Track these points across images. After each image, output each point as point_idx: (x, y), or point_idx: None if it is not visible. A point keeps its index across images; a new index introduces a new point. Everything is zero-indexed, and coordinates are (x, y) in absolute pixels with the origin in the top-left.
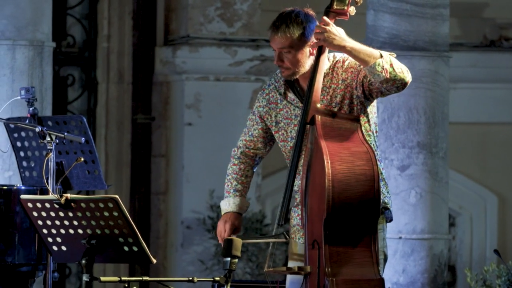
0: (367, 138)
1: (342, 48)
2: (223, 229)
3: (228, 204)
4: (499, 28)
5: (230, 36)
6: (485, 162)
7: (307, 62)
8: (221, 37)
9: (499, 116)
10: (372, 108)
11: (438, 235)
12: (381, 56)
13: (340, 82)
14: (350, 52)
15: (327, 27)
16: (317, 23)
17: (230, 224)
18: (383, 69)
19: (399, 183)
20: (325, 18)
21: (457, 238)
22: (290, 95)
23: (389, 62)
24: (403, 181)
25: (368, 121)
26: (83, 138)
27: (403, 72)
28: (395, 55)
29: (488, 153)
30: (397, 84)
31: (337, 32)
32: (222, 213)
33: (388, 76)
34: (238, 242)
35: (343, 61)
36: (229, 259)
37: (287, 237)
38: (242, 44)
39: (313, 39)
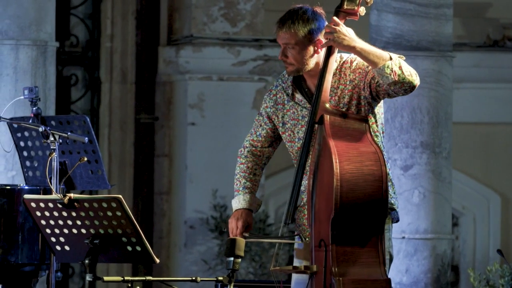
0: (375, 138)
1: (351, 49)
2: (235, 226)
3: (238, 202)
4: (502, 28)
5: (234, 36)
6: (489, 162)
7: (311, 60)
8: (225, 37)
9: (503, 116)
10: (379, 109)
11: (441, 235)
12: (391, 58)
13: (348, 82)
14: (360, 53)
15: (337, 28)
16: (326, 22)
17: (243, 221)
18: (392, 72)
19: (402, 183)
20: (335, 18)
21: (460, 238)
22: (298, 96)
23: (398, 65)
24: (406, 181)
25: (376, 121)
26: (86, 138)
27: (412, 75)
28: (404, 58)
29: (491, 153)
30: (405, 87)
31: (347, 33)
32: (233, 210)
33: (396, 79)
34: (241, 242)
35: (351, 62)
36: (232, 259)
37: (304, 239)
38: (246, 44)
39: (318, 38)
